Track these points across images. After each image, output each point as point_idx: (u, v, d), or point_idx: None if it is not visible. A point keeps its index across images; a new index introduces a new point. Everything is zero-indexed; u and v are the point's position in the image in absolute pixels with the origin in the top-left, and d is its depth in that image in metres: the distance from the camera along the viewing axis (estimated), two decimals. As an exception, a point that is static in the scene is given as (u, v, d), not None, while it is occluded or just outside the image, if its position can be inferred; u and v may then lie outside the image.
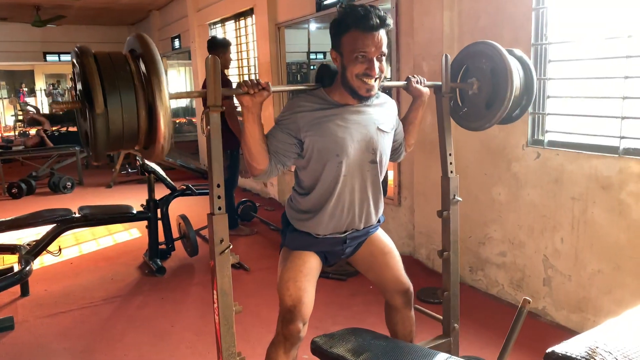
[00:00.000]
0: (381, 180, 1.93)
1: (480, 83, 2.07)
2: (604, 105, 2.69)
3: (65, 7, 9.09)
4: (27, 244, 3.79)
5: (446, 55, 2.17)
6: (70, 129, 12.64)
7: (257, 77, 1.71)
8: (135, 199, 4.19)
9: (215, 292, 1.78)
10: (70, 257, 4.47)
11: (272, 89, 1.68)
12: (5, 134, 14.51)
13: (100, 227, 4.73)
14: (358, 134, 1.79)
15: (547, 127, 2.91)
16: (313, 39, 5.61)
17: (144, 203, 4.03)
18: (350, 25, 1.66)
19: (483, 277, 3.40)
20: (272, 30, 5.52)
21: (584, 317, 2.76)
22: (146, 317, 3.26)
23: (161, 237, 4.20)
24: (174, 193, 4.14)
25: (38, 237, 3.76)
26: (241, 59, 6.78)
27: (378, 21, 1.63)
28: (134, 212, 3.92)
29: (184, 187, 4.19)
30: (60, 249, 3.85)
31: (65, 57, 12.28)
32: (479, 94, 2.09)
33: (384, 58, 1.70)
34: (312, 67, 7.00)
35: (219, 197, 1.72)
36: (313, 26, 5.99)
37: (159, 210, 4.08)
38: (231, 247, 1.76)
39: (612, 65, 2.62)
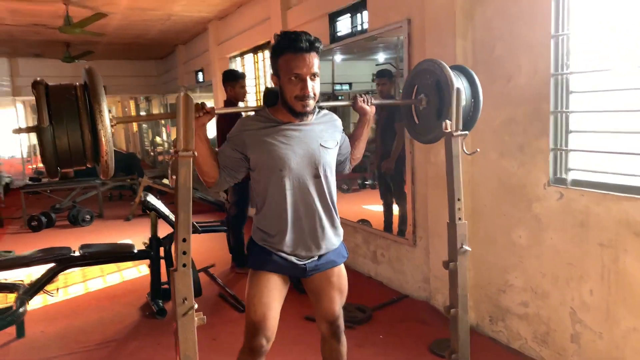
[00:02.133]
0: (331, 196, 1.99)
1: (428, 98, 2.14)
2: (634, 141, 2.41)
3: (93, 44, 9.30)
4: (29, 283, 3.67)
5: (458, 89, 2.00)
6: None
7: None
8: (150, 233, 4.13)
9: (177, 358, 1.57)
10: (75, 295, 4.35)
11: (217, 111, 1.81)
12: (40, 165, 14.89)
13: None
14: (300, 149, 1.90)
15: (570, 164, 2.63)
16: (338, 70, 5.46)
17: (146, 241, 3.88)
18: (284, 49, 1.81)
19: (504, 329, 3.08)
20: (287, 63, 5.41)
21: (619, 381, 2.42)
22: (137, 365, 3.07)
23: (165, 277, 4.04)
24: (178, 231, 3.98)
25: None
26: (259, 92, 6.70)
27: (307, 44, 1.78)
28: (135, 251, 3.77)
29: (189, 224, 4.02)
30: (57, 289, 3.72)
31: (96, 91, 12.57)
32: (428, 108, 2.16)
33: (317, 79, 1.84)
34: (339, 98, 6.84)
35: (184, 253, 1.54)
36: (338, 57, 5.85)
37: (162, 249, 3.92)
38: (196, 307, 1.56)
39: (643, 96, 2.34)
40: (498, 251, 3.06)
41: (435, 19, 3.25)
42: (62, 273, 4.25)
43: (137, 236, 5.52)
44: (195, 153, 1.58)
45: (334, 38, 4.69)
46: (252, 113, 2.02)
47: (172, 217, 4.02)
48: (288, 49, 1.79)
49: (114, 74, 12.47)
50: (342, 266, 2.11)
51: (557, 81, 2.62)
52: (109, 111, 1.60)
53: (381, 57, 4.89)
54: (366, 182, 5.32)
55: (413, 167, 3.79)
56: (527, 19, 2.74)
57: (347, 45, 4.50)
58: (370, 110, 2.11)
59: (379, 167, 4.61)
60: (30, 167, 12.65)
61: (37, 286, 3.48)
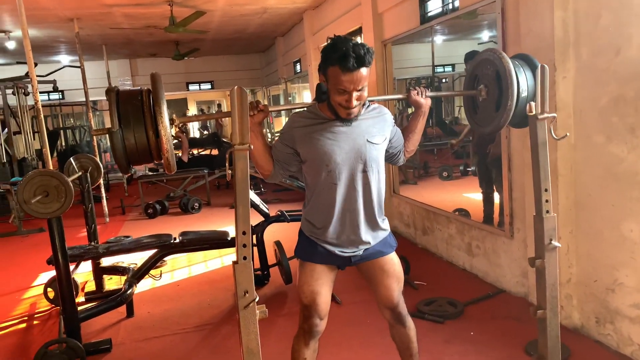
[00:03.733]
0: (377, 191, 2.01)
1: (488, 89, 2.08)
2: None
3: (199, 41, 9.84)
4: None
5: (543, 67, 1.85)
6: (213, 152, 13.67)
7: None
8: (253, 219, 4.28)
9: (241, 349, 1.59)
10: (179, 279, 4.66)
11: (270, 108, 1.91)
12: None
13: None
14: (346, 145, 1.93)
15: (693, 147, 2.27)
16: (438, 52, 5.20)
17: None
18: (334, 62, 1.79)
19: (613, 332, 2.76)
20: (378, 48, 5.30)
21: None
22: (229, 348, 3.20)
23: (258, 264, 4.18)
24: (268, 220, 4.09)
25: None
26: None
27: (356, 63, 1.75)
28: (229, 238, 3.94)
29: (279, 213, 4.12)
30: (161, 274, 4.00)
31: (205, 86, 13.35)
32: (488, 99, 2.09)
33: (364, 88, 1.84)
34: (444, 80, 6.53)
35: (244, 246, 1.54)
36: (439, 38, 5.57)
37: (254, 237, 4.06)
38: (257, 299, 1.57)
39: None
40: (605, 246, 2.74)
41: (531, -10, 2.96)
42: (168, 258, 4.62)
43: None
44: (252, 146, 1.60)
45: (424, 19, 4.49)
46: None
47: (262, 206, 4.14)
48: (337, 63, 1.77)
49: (221, 68, 13.14)
50: (394, 254, 2.14)
51: (676, 51, 2.27)
52: (174, 113, 1.70)
53: (485, 35, 4.58)
54: (469, 169, 5.07)
55: (509, 153, 3.52)
56: (638, -19, 2.39)
57: (446, 25, 4.27)
58: (425, 102, 2.10)
59: (479, 152, 4.36)
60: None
61: (143, 270, 3.77)
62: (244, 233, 1.53)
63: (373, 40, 5.29)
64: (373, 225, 2.05)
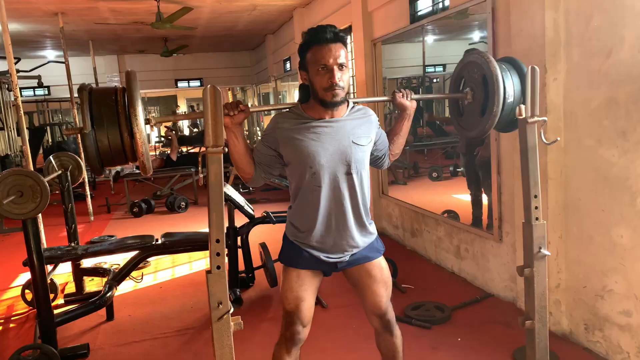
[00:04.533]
0: (362, 194, 1.96)
1: (474, 92, 2.05)
2: None
3: (188, 37, 9.71)
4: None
5: (534, 68, 1.79)
6: (202, 150, 13.54)
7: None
8: (239, 220, 4.20)
9: (214, 362, 1.51)
10: (163, 281, 4.56)
11: (251, 109, 1.85)
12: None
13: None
14: (330, 146, 1.88)
15: (685, 152, 2.21)
16: (429, 52, 5.13)
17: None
18: (311, 42, 1.82)
19: (602, 340, 2.71)
20: (367, 47, 5.23)
21: None
22: (210, 355, 3.09)
23: (243, 266, 4.09)
24: (253, 221, 4.00)
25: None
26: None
27: (332, 35, 1.79)
28: (212, 240, 3.84)
29: (264, 214, 4.03)
30: (142, 276, 3.90)
31: (194, 83, 13.20)
32: (474, 103, 2.06)
33: (345, 70, 1.82)
34: (435, 80, 6.48)
35: (217, 254, 1.46)
36: (430, 38, 5.51)
37: (239, 238, 3.97)
38: (232, 311, 1.48)
39: None
40: (595, 251, 2.68)
41: (522, -10, 2.90)
42: (152, 259, 4.52)
43: (224, 224, 5.66)
44: (226, 149, 1.55)
45: (414, 18, 4.42)
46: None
47: (247, 207, 4.05)
48: (314, 41, 1.81)
49: (210, 66, 12.99)
50: (382, 259, 2.09)
51: (669, 53, 2.21)
52: (150, 112, 1.60)
53: (476, 35, 4.53)
54: (458, 170, 5.02)
55: (499, 155, 3.46)
56: (631, -19, 2.33)
57: (437, 24, 4.20)
58: (411, 105, 2.06)
59: (468, 153, 4.30)
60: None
61: (123, 272, 3.67)
62: (217, 241, 1.45)
63: (363, 39, 5.22)
64: (361, 228, 2.00)
